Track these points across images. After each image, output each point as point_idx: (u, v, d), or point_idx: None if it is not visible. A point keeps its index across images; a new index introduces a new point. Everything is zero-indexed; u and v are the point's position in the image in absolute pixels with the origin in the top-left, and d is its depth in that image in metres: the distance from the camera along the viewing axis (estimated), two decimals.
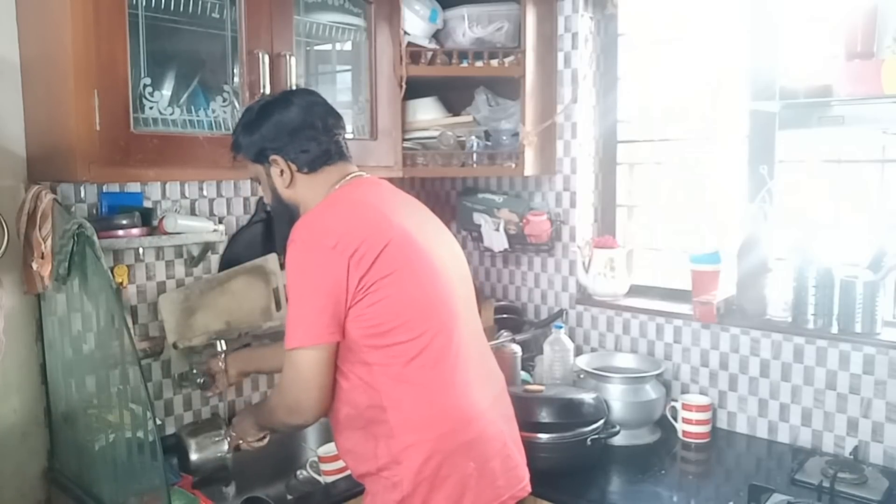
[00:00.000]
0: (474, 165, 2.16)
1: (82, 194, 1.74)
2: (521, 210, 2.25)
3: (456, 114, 2.24)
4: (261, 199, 2.09)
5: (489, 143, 2.17)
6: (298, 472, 1.87)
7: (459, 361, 1.35)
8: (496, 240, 2.26)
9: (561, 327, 2.08)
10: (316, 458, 1.78)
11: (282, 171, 1.39)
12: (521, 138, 2.07)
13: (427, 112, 2.19)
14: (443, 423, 1.30)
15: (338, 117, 1.47)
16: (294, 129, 1.38)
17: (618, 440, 1.81)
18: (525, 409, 1.73)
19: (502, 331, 2.20)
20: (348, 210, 1.35)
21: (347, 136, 1.98)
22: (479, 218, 2.32)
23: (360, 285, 1.26)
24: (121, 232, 1.70)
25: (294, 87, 1.68)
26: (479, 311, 2.16)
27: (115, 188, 1.79)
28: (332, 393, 1.32)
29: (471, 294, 1.50)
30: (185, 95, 1.61)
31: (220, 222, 1.94)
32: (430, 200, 2.61)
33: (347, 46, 2.02)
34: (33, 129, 1.61)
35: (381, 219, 1.33)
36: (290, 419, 1.36)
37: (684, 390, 2.05)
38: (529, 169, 2.10)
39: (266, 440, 1.63)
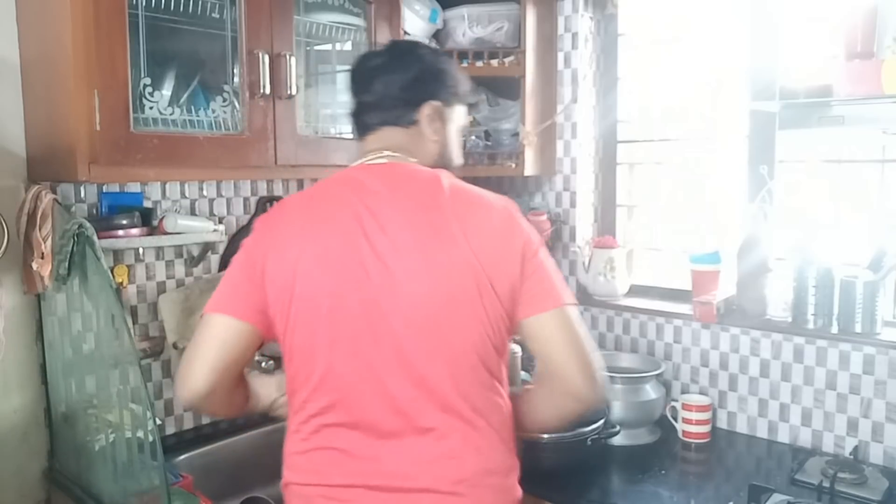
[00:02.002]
0: (474, 165, 2.16)
1: (82, 194, 1.74)
2: (521, 210, 2.25)
3: None
4: (261, 198, 2.09)
5: (489, 143, 2.18)
6: None
7: None
8: None
9: None
10: None
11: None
12: (521, 138, 2.07)
13: None
14: None
15: None
16: None
17: (618, 440, 1.81)
18: None
19: None
20: None
21: (347, 135, 2.01)
22: None
23: None
24: (121, 232, 1.70)
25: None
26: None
27: (115, 188, 1.79)
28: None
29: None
30: (185, 95, 1.61)
31: (220, 222, 1.94)
32: None
33: (347, 46, 2.02)
34: (33, 129, 1.61)
35: None
36: None
37: (684, 390, 2.05)
38: (529, 169, 2.10)
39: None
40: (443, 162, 1.28)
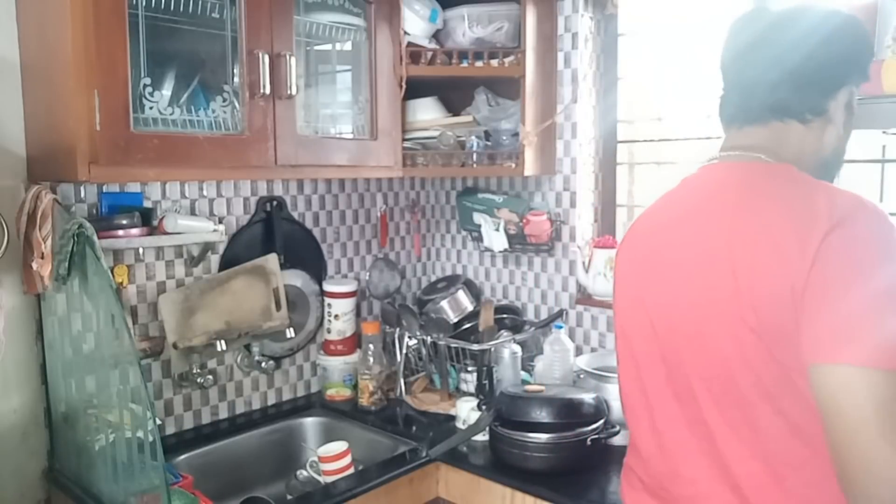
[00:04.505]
0: (474, 165, 2.16)
1: (82, 194, 1.74)
2: (521, 210, 2.25)
3: (456, 114, 2.24)
4: (261, 198, 2.09)
5: (489, 143, 2.17)
6: (298, 472, 1.87)
7: None
8: (496, 240, 2.26)
9: (561, 327, 2.08)
10: (316, 458, 1.78)
11: None
12: (521, 138, 2.07)
13: (427, 112, 2.19)
14: None
15: None
16: None
17: (618, 440, 1.81)
18: (525, 409, 1.73)
19: (502, 331, 2.20)
20: None
21: (347, 135, 2.01)
22: (478, 218, 2.32)
23: None
24: (121, 232, 1.70)
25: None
26: (486, 315, 2.18)
27: (115, 188, 1.79)
28: None
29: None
30: (185, 95, 1.61)
31: (220, 222, 1.94)
32: (429, 200, 2.62)
33: (347, 46, 2.02)
34: (33, 129, 1.61)
35: None
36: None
37: None
38: (529, 169, 2.10)
39: None
40: (826, 170, 1.04)
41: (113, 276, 1.74)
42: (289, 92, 1.69)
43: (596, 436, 1.71)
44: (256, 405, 2.13)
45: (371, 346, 2.12)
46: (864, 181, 1.88)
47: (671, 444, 1.04)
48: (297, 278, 2.18)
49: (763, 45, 0.99)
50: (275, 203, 2.12)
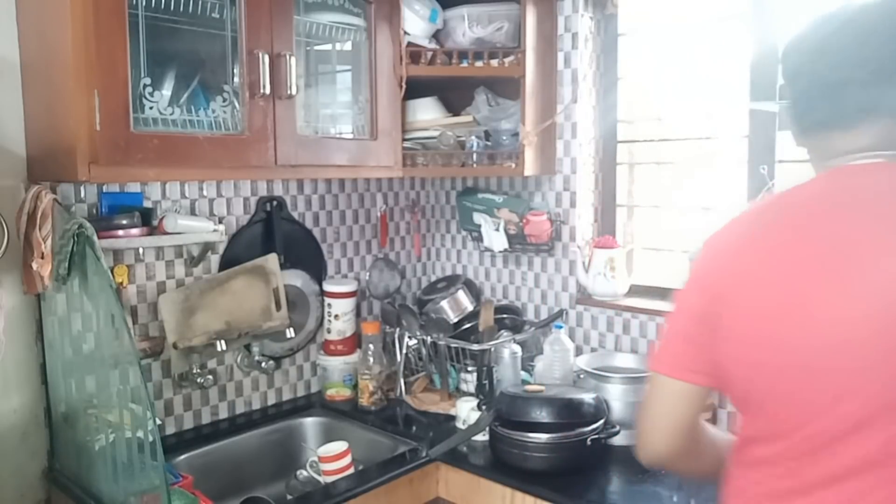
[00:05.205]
0: (474, 165, 2.16)
1: (82, 194, 1.74)
2: (521, 210, 2.25)
3: (456, 114, 2.24)
4: (261, 198, 2.09)
5: (489, 143, 2.17)
6: (298, 472, 1.87)
7: None
8: (496, 240, 2.26)
9: (561, 327, 2.08)
10: (316, 458, 1.78)
11: None
12: (521, 138, 2.07)
13: (427, 112, 2.19)
14: None
15: None
16: None
17: (618, 440, 1.81)
18: (525, 409, 1.73)
19: (502, 331, 2.20)
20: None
21: (347, 135, 2.01)
22: (478, 218, 2.32)
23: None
24: (121, 232, 1.70)
25: None
26: (486, 315, 2.19)
27: (115, 188, 1.79)
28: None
29: None
30: (185, 95, 1.61)
31: (220, 222, 1.94)
32: (429, 200, 2.62)
33: (347, 46, 2.02)
34: (33, 129, 1.61)
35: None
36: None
37: None
38: (529, 169, 2.10)
39: None
40: None
41: (113, 276, 1.74)
42: (289, 92, 1.69)
43: (596, 436, 1.71)
44: (256, 405, 2.13)
45: (371, 346, 2.12)
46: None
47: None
48: (297, 278, 2.18)
49: (853, 42, 0.91)
50: (275, 203, 2.12)
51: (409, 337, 2.18)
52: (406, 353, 2.18)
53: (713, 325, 1.00)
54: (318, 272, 2.26)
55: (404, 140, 2.08)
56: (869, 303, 0.87)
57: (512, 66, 2.08)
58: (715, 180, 2.13)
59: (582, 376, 1.98)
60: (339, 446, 1.78)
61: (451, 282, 2.41)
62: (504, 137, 2.17)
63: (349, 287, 2.22)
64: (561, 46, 2.21)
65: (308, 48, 1.90)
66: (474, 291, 2.43)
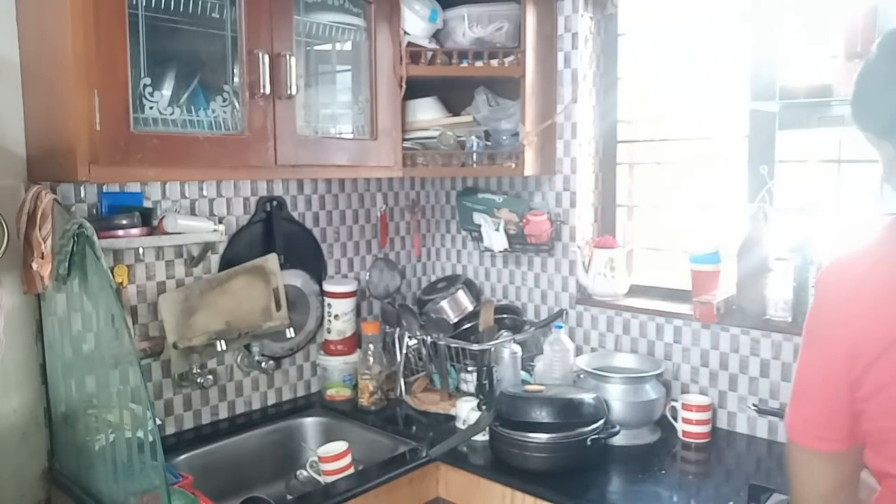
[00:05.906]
0: (474, 165, 2.16)
1: (82, 194, 1.74)
2: (521, 210, 2.25)
3: (456, 114, 2.24)
4: (261, 198, 2.09)
5: (489, 143, 2.18)
6: (298, 472, 1.87)
7: None
8: (496, 240, 2.26)
9: (561, 327, 2.08)
10: (316, 458, 1.78)
11: None
12: (521, 138, 2.07)
13: (427, 112, 2.19)
14: None
15: None
16: None
17: (618, 440, 1.81)
18: (525, 409, 1.73)
19: (502, 331, 2.20)
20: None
21: (347, 135, 2.01)
22: (478, 218, 2.32)
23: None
24: (121, 232, 1.70)
25: None
26: (486, 315, 2.18)
27: (115, 188, 1.79)
28: None
29: None
30: (185, 95, 1.61)
31: (220, 222, 1.94)
32: (429, 200, 2.62)
33: (347, 46, 2.02)
34: (33, 129, 1.61)
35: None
36: None
37: (684, 390, 2.05)
38: (529, 169, 2.10)
39: None
40: None
41: (113, 276, 1.74)
42: (289, 92, 1.69)
43: (596, 436, 1.71)
44: (256, 405, 2.13)
45: (371, 346, 2.12)
46: (864, 181, 1.88)
47: None
48: (297, 278, 2.18)
49: None
50: (275, 203, 2.12)
51: (409, 337, 2.18)
52: (406, 353, 2.18)
53: (854, 387, 0.93)
54: (318, 272, 2.26)
55: (404, 140, 2.08)
56: None
57: (512, 66, 2.08)
58: (715, 180, 2.13)
59: (582, 376, 1.98)
60: (339, 446, 1.78)
61: (451, 282, 2.41)
62: (504, 137, 2.17)
63: (349, 287, 2.22)
64: (561, 46, 2.21)
65: (308, 48, 1.90)
66: (474, 291, 2.43)
